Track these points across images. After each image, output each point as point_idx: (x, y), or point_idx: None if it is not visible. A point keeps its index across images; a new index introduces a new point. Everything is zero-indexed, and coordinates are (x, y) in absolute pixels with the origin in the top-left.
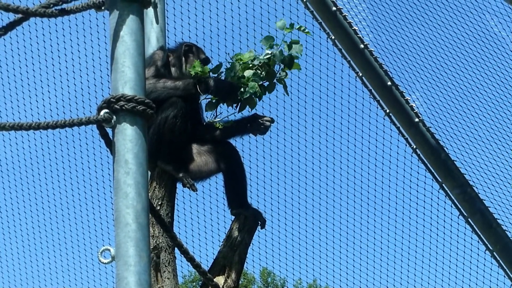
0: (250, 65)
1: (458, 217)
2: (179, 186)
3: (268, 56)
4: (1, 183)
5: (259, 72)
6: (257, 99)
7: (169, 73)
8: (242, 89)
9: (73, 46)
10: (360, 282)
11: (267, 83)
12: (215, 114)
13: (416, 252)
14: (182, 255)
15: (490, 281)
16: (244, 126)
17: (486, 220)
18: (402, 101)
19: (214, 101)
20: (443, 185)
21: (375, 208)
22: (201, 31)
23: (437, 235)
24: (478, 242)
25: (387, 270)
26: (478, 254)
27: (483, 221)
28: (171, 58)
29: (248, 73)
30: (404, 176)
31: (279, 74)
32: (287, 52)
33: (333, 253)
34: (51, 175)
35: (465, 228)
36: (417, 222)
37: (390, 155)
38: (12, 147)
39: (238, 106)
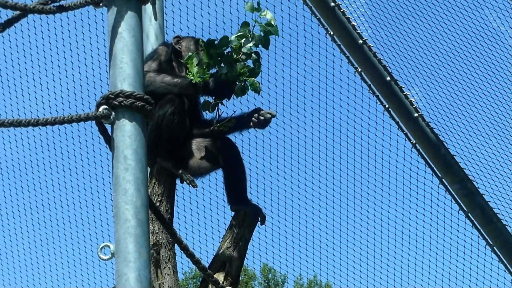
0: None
1: (458, 212)
2: (178, 182)
3: (240, 34)
4: (0, 180)
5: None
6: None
7: (172, 69)
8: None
9: (71, 43)
10: (361, 277)
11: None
12: (217, 116)
13: (416, 247)
14: (182, 252)
15: (491, 275)
16: (244, 120)
17: (486, 215)
18: (401, 96)
19: (211, 100)
20: (443, 180)
21: (375, 204)
22: (199, 28)
23: (437, 230)
24: (478, 237)
25: (387, 265)
26: (478, 249)
27: (483, 216)
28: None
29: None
30: (403, 171)
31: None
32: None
33: (333, 249)
34: (50, 171)
35: (465, 223)
36: (417, 217)
37: (390, 150)
38: (11, 144)
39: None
